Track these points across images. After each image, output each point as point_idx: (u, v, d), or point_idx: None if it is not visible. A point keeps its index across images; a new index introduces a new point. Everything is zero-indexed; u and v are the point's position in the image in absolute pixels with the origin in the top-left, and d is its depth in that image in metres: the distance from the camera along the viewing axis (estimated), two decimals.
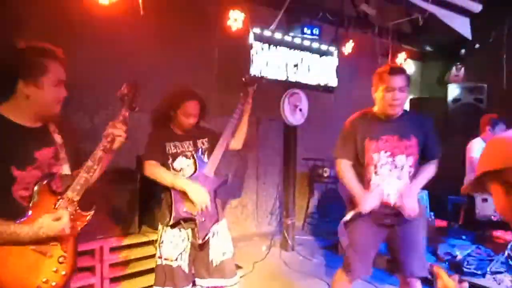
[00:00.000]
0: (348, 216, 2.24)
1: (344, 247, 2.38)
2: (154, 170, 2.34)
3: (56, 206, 1.47)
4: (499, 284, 3.01)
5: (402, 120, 2.28)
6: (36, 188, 1.45)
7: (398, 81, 2.18)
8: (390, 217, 2.26)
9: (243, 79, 2.63)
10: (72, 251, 1.52)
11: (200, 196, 2.30)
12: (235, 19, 3.68)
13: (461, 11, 4.19)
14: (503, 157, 0.91)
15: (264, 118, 4.32)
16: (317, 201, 5.02)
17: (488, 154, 0.97)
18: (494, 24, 4.79)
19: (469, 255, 3.33)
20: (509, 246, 3.30)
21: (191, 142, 2.48)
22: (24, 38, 1.49)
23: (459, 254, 3.35)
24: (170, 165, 2.39)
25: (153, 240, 2.89)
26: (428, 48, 5.65)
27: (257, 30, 3.78)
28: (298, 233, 4.65)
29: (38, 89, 1.45)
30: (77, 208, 1.52)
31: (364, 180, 2.27)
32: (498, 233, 3.84)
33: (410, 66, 6.21)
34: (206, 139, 2.54)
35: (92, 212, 1.57)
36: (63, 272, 1.47)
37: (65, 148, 1.59)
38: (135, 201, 3.07)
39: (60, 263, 1.47)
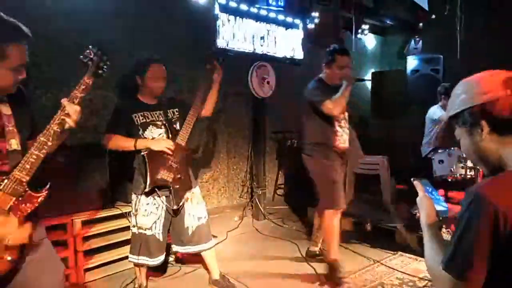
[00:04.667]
0: None
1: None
2: (115, 142, 2.36)
3: (0, 187, 1.29)
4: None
5: None
6: None
7: None
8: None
9: (211, 51, 2.68)
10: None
11: (162, 143, 2.35)
12: None
13: None
14: (458, 103, 1.03)
15: (232, 91, 4.34)
16: (286, 173, 5.16)
17: (450, 102, 1.09)
18: None
19: None
20: None
21: (161, 112, 2.50)
22: None
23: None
24: (142, 136, 2.40)
25: (125, 213, 2.90)
26: (388, 22, 5.82)
27: (222, 0, 3.75)
28: (269, 204, 4.79)
29: None
30: (27, 189, 1.33)
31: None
32: (452, 193, 4.14)
33: (372, 40, 6.40)
34: (177, 109, 2.57)
35: (44, 193, 1.37)
36: (9, 258, 1.29)
37: (15, 119, 1.39)
38: (105, 176, 3.05)
39: (6, 249, 1.28)
